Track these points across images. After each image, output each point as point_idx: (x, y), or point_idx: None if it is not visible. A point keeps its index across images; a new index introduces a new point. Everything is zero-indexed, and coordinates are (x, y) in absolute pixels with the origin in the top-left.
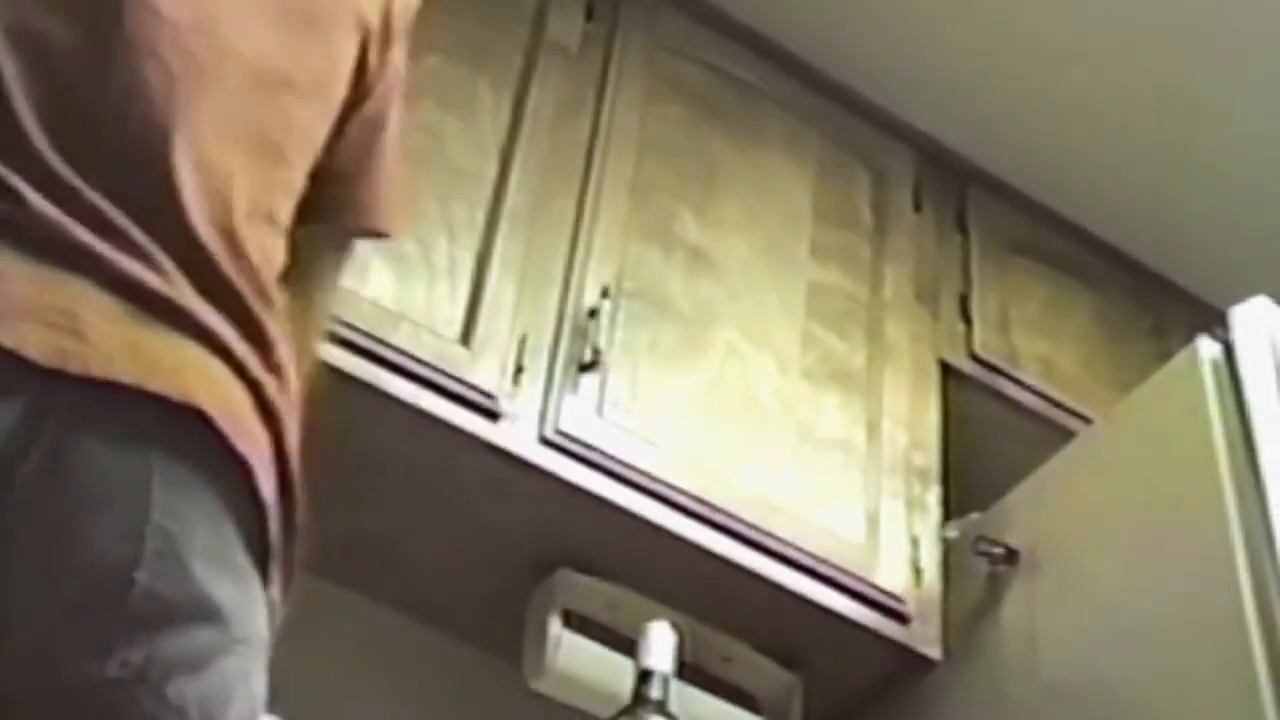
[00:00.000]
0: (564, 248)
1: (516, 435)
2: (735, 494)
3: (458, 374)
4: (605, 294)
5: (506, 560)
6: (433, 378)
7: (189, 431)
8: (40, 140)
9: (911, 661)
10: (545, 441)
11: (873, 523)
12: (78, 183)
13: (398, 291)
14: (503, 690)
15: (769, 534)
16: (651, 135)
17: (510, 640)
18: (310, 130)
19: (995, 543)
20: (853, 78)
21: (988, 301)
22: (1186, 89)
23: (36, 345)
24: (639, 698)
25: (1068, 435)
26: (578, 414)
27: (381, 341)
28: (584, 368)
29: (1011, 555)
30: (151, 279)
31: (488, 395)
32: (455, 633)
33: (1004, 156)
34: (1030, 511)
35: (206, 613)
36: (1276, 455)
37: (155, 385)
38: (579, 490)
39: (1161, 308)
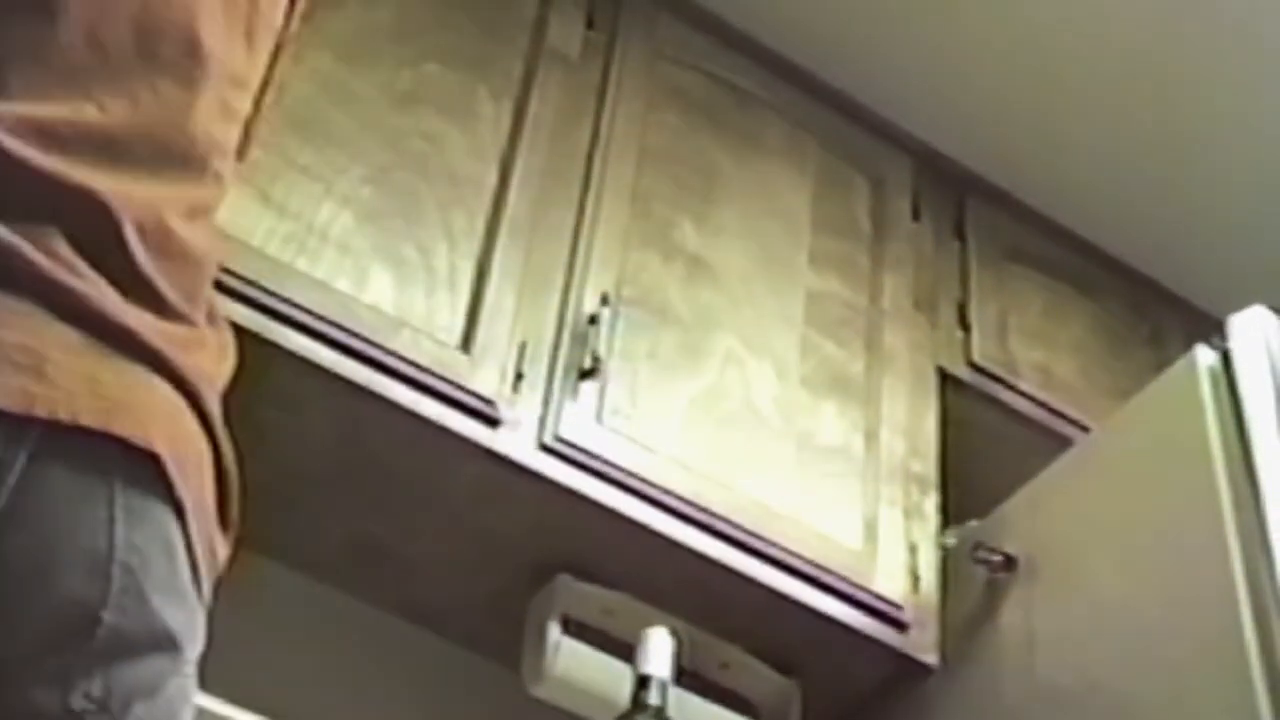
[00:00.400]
0: (564, 255)
1: (516, 441)
2: (734, 500)
3: (458, 380)
4: (605, 301)
5: (506, 566)
6: (433, 384)
7: (145, 465)
8: None
9: (909, 668)
10: (545, 448)
11: (871, 529)
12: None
13: (398, 298)
14: (501, 696)
15: (767, 540)
16: (651, 143)
17: (509, 646)
18: (246, 115)
19: (993, 550)
20: (852, 86)
21: (986, 309)
22: (1184, 98)
23: (5, 389)
24: (637, 703)
25: (1066, 443)
26: (577, 420)
27: (381, 347)
28: (584, 374)
29: (1009, 562)
30: (96, 298)
31: (487, 401)
32: (454, 638)
33: (1002, 165)
34: (1028, 519)
35: (162, 643)
36: (1273, 463)
37: (117, 427)
38: (578, 496)
39: (1159, 316)
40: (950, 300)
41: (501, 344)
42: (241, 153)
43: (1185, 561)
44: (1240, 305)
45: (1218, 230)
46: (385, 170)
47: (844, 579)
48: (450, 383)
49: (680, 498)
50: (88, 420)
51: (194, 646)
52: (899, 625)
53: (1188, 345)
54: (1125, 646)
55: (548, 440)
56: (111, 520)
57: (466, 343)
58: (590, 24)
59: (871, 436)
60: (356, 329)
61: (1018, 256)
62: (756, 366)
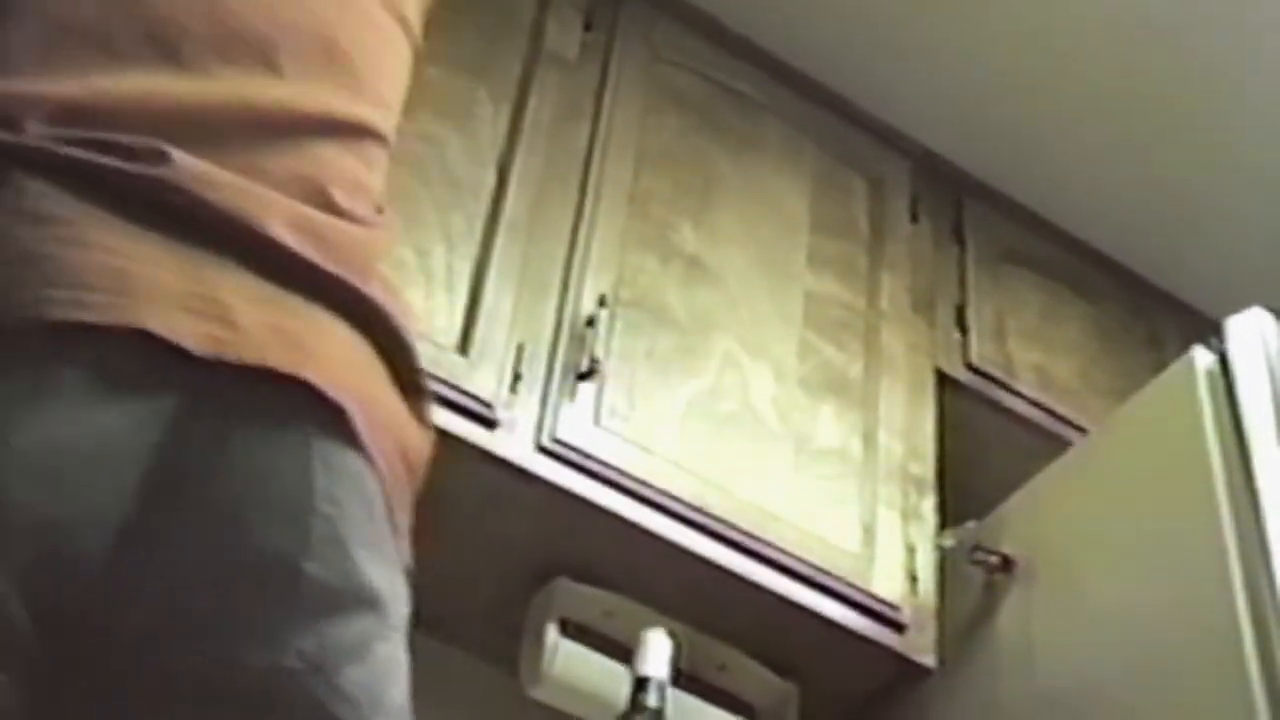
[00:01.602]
0: (561, 257)
1: (514, 444)
2: (732, 502)
3: (455, 382)
4: (603, 303)
5: (504, 568)
6: (430, 386)
7: (337, 416)
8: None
9: (907, 670)
10: (543, 450)
11: (869, 531)
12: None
13: None
14: (500, 698)
15: (765, 542)
16: (649, 145)
17: (508, 648)
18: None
19: (991, 551)
20: (850, 88)
21: (984, 311)
22: (1182, 100)
23: (191, 335)
24: (636, 705)
25: (1063, 445)
26: (575, 422)
27: None
28: (581, 376)
29: (1007, 564)
30: (286, 238)
31: (485, 404)
32: (453, 641)
33: (1000, 167)
34: (1026, 520)
35: (367, 600)
36: (1271, 464)
37: (307, 373)
38: (576, 499)
39: (1157, 318)
40: (948, 302)
41: (499, 346)
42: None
43: (1183, 562)
44: (1238, 307)
45: (1215, 232)
46: None
47: (842, 581)
48: (448, 384)
49: (678, 499)
50: (280, 365)
51: (398, 608)
52: (897, 627)
53: (1185, 347)
54: (1123, 647)
55: (545, 442)
56: (308, 470)
57: (464, 345)
58: (588, 26)
59: (869, 438)
60: None
61: (1015, 258)
62: (754, 368)
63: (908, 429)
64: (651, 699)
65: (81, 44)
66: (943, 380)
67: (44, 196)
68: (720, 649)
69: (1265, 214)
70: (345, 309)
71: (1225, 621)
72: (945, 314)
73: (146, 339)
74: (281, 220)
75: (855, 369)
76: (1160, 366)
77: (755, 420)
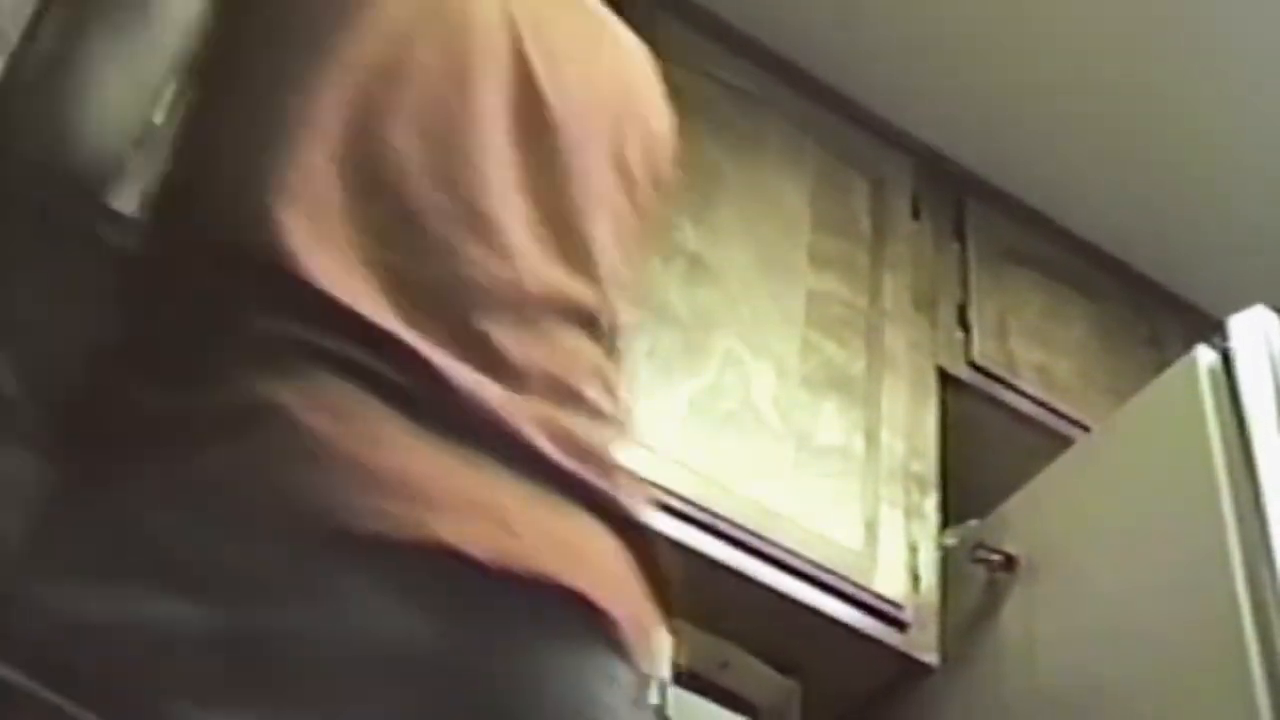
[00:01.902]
0: None
1: None
2: (734, 501)
3: None
4: None
5: None
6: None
7: (605, 623)
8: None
9: (909, 668)
10: None
11: (871, 530)
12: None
13: None
14: None
15: (768, 540)
16: None
17: None
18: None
19: (993, 550)
20: (852, 87)
21: (986, 310)
22: (1184, 99)
23: (479, 544)
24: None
25: (1065, 443)
26: None
27: None
28: None
29: (1009, 562)
30: (544, 445)
31: None
32: None
33: (1002, 165)
34: (1028, 519)
35: None
36: (1273, 463)
37: (582, 584)
38: None
39: (1159, 317)
40: (950, 300)
41: None
42: None
43: (1185, 561)
44: (1240, 305)
45: (1218, 230)
46: None
47: (844, 579)
48: None
49: (680, 498)
50: (558, 575)
51: None
52: (899, 625)
53: (1187, 345)
54: (1125, 646)
55: None
56: (586, 680)
57: None
58: None
59: (871, 436)
60: None
61: (1017, 257)
62: (756, 366)
63: (910, 427)
64: (653, 697)
65: (338, 222)
66: (945, 378)
67: (337, 392)
68: (722, 647)
69: (1266, 213)
70: (601, 513)
71: (1227, 618)
72: (947, 312)
73: (438, 547)
74: (537, 426)
75: (857, 367)
76: (1162, 365)
77: (757, 419)
